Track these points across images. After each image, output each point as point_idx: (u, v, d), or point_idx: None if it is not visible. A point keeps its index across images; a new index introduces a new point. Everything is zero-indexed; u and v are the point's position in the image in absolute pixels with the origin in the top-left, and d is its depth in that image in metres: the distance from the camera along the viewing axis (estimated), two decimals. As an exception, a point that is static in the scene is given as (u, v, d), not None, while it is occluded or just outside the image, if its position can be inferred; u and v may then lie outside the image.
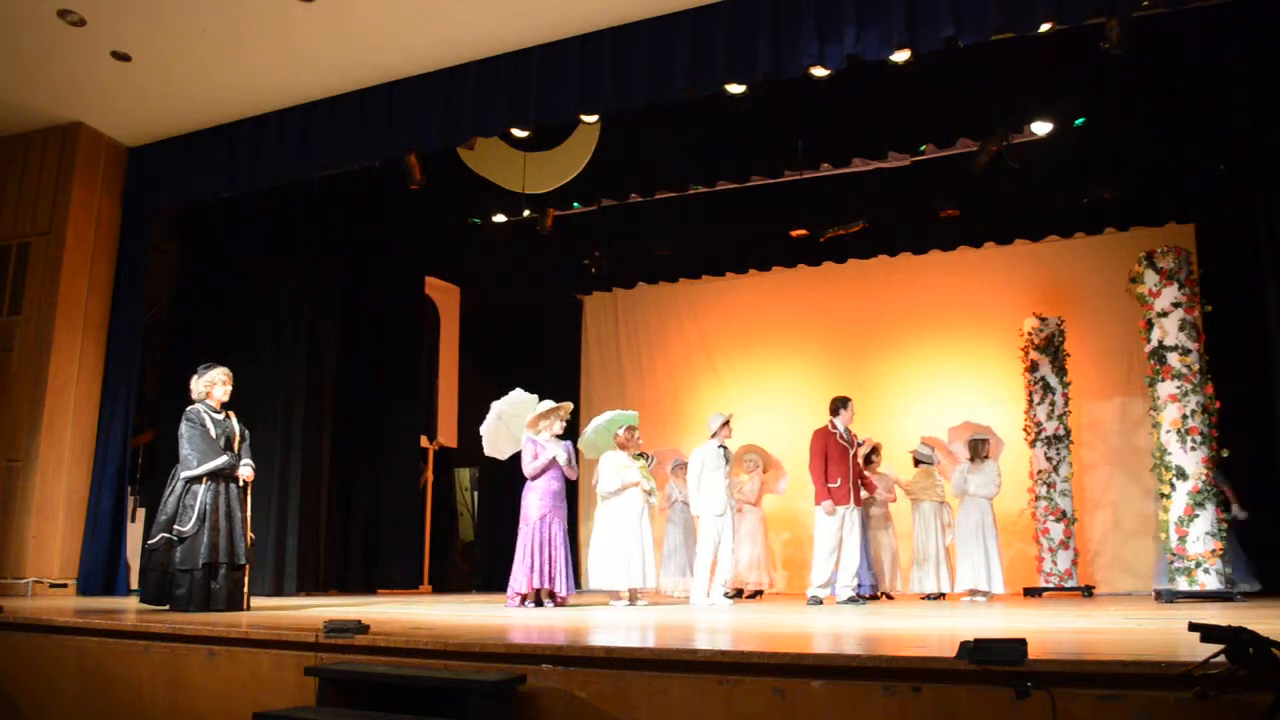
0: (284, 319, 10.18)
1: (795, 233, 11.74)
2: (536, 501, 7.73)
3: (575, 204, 10.99)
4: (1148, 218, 10.88)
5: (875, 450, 10.62)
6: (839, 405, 8.82)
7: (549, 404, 8.01)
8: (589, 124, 9.18)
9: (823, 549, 8.46)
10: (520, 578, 7.54)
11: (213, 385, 6.84)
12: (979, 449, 9.74)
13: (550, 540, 7.62)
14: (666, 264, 13.07)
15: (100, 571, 8.99)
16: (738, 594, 9.98)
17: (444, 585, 12.69)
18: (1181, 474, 8.82)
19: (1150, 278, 9.24)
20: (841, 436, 8.65)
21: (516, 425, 8.22)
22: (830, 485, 8.46)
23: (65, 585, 8.87)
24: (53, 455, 8.93)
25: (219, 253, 10.38)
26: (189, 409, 6.74)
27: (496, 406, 8.31)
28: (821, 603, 8.36)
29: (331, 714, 3.83)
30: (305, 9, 7.61)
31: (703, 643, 4.03)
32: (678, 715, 3.47)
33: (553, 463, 7.79)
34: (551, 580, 7.54)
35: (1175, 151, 9.46)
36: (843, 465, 8.56)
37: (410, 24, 7.84)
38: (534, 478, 7.81)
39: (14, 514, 8.76)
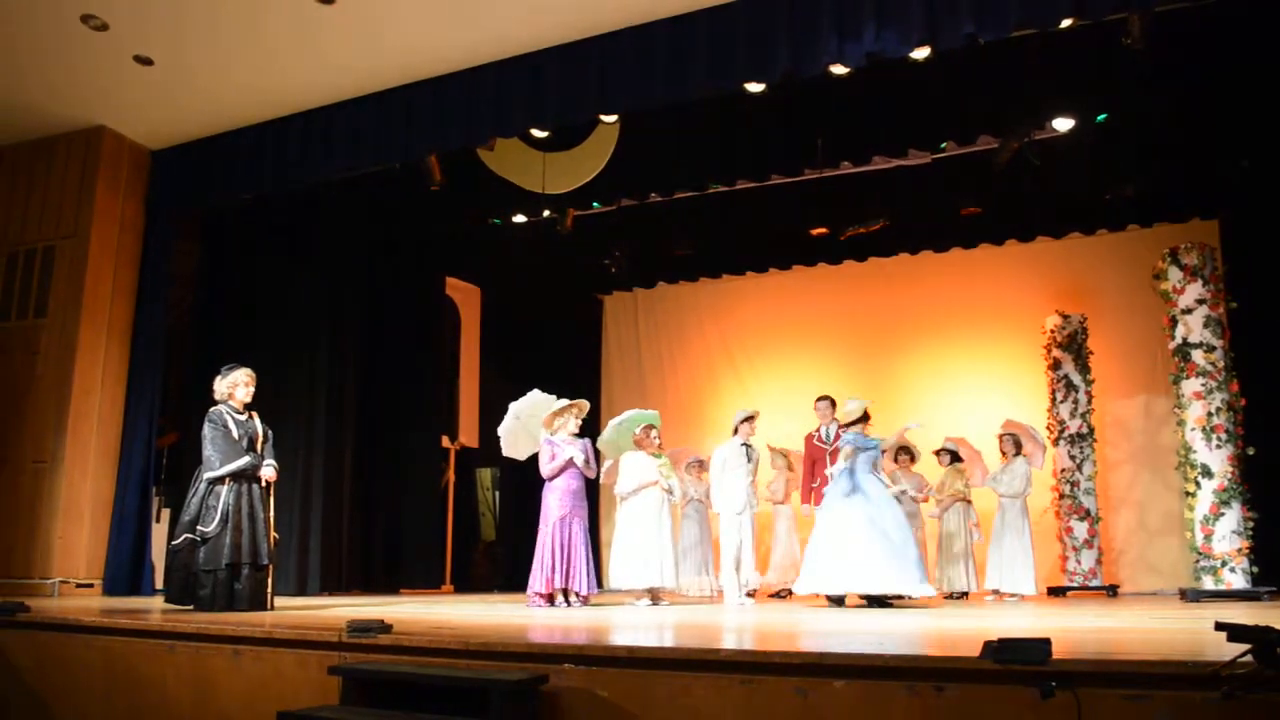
0: (306, 319, 10.23)
1: (815, 231, 11.71)
2: (556, 501, 7.73)
3: (595, 204, 11.00)
4: (1171, 214, 10.79)
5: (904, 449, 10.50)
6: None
7: (564, 402, 8.03)
8: (608, 124, 9.19)
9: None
10: (540, 578, 7.55)
11: (235, 386, 6.88)
12: (1003, 446, 9.71)
13: (570, 540, 7.62)
14: (686, 263, 13.07)
15: (126, 572, 9.07)
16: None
17: (466, 585, 12.71)
18: (1207, 472, 8.76)
19: (1174, 274, 9.18)
20: (818, 438, 8.75)
21: (535, 425, 8.23)
22: (812, 485, 8.59)
23: (91, 585, 8.95)
24: (78, 457, 9.00)
25: (241, 254, 10.44)
26: (212, 410, 6.77)
27: (514, 407, 8.33)
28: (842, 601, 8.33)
29: (355, 713, 3.85)
30: (325, 12, 7.65)
31: (724, 642, 4.03)
32: (700, 715, 3.47)
33: (569, 463, 7.79)
34: (572, 580, 7.54)
35: (1198, 147, 9.39)
36: (821, 465, 8.71)
37: (430, 25, 7.86)
38: (551, 478, 7.81)
39: (41, 515, 8.84)
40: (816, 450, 8.85)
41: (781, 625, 5.39)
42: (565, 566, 7.54)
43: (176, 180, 9.78)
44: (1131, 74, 8.02)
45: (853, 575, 7.18)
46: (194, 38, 8.06)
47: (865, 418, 7.86)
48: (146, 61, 8.37)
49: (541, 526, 7.73)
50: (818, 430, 8.95)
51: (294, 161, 9.16)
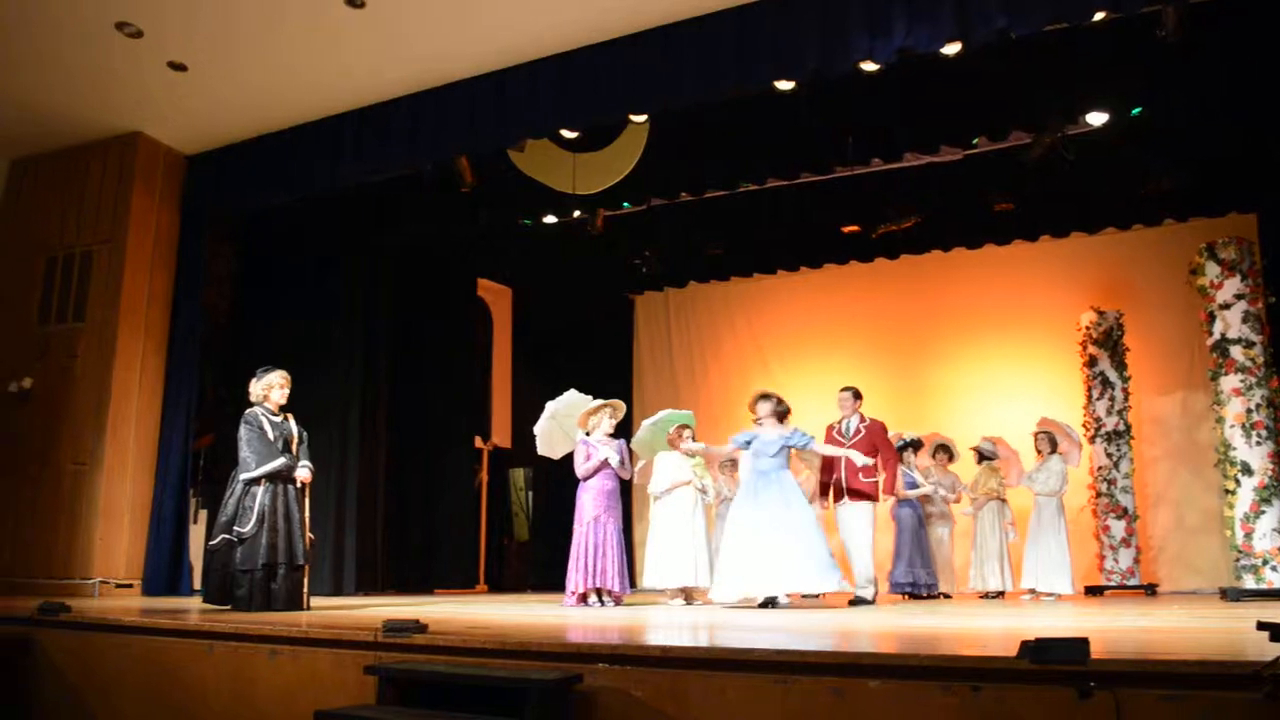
0: (339, 321, 10.32)
1: (847, 229, 11.66)
2: (590, 501, 7.75)
3: (625, 204, 11.00)
4: (1208, 208, 10.64)
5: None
6: None
7: (599, 401, 8.04)
8: (638, 123, 9.19)
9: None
10: (575, 577, 7.57)
11: (270, 388, 6.94)
12: (1038, 444, 9.64)
13: (604, 540, 7.64)
14: (718, 262, 13.06)
15: (164, 572, 9.16)
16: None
17: (500, 585, 12.77)
18: (1247, 469, 8.66)
19: (1211, 269, 9.08)
20: (838, 430, 8.46)
21: (570, 425, 8.26)
22: (827, 480, 8.29)
23: (131, 585, 9.05)
24: (117, 459, 9.11)
25: (276, 256, 10.55)
26: (247, 412, 6.85)
27: (550, 406, 8.34)
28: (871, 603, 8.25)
29: (391, 713, 3.87)
30: (356, 16, 7.69)
31: (759, 642, 4.02)
32: (735, 715, 3.46)
33: (604, 464, 7.81)
34: (606, 579, 7.55)
35: (1235, 140, 9.26)
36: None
37: (460, 28, 7.90)
38: (586, 479, 7.83)
39: (81, 516, 8.95)
40: (835, 443, 8.65)
41: (816, 625, 5.37)
42: (599, 566, 7.56)
43: (211, 184, 9.87)
44: (1166, 67, 7.92)
45: (753, 578, 6.87)
46: (226, 44, 8.13)
47: (774, 413, 7.39)
48: (180, 68, 8.46)
49: (576, 526, 7.75)
50: (839, 423, 8.70)
51: (327, 165, 9.20)
